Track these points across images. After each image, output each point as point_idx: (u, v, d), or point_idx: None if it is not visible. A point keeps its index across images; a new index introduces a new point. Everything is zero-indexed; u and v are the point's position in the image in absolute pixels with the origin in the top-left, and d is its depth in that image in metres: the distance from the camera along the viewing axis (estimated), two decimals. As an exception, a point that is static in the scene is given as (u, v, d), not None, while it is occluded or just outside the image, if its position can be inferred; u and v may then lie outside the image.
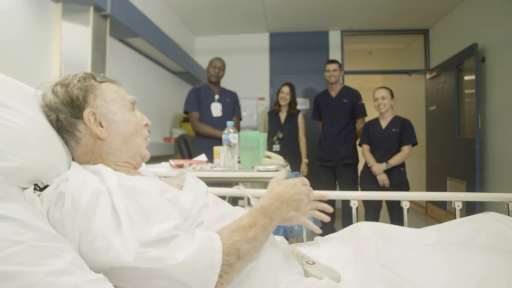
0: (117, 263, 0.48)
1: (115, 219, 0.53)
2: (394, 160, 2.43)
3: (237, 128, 2.83)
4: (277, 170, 1.53)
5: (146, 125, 0.81)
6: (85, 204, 0.54)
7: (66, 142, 0.72)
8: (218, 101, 2.75)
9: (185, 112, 2.76)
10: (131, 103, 0.78)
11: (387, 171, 2.46)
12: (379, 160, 2.50)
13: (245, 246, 0.59)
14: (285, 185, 0.74)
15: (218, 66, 2.72)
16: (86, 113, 0.69)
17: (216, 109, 2.73)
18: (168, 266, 0.50)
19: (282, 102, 3.00)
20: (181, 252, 0.52)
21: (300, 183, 0.77)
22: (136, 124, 0.77)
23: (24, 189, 0.60)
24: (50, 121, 0.70)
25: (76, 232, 0.52)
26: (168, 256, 0.51)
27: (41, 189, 0.62)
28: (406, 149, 2.45)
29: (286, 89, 2.98)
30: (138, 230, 0.52)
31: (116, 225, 0.52)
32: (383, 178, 2.45)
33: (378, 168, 2.47)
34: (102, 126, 0.71)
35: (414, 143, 2.46)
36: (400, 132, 2.47)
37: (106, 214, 0.53)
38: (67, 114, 0.69)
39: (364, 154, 2.63)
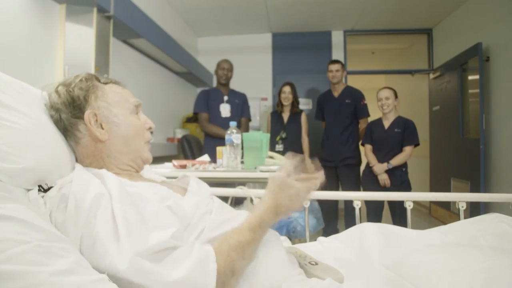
0: (112, 269, 0.48)
1: (113, 224, 0.52)
2: (396, 160, 2.43)
3: (246, 128, 2.86)
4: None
5: (150, 128, 0.80)
6: (87, 207, 0.54)
7: (68, 143, 0.72)
8: (227, 102, 2.80)
9: (195, 113, 2.82)
10: (134, 106, 0.77)
11: (388, 171, 2.45)
12: (381, 160, 2.49)
13: (240, 264, 0.59)
14: (286, 195, 0.69)
15: (226, 68, 2.78)
16: (87, 114, 0.69)
17: (225, 109, 2.78)
18: (160, 284, 0.48)
19: (285, 102, 2.98)
20: (175, 270, 0.50)
21: (306, 191, 0.71)
22: (138, 127, 0.76)
23: (28, 190, 0.60)
24: (54, 121, 0.70)
25: (78, 236, 0.52)
26: (161, 273, 0.49)
27: (45, 191, 0.62)
28: (408, 149, 2.44)
29: (287, 89, 2.97)
30: (135, 238, 0.51)
31: (114, 231, 0.51)
32: (384, 178, 2.45)
33: (379, 168, 2.46)
34: (102, 128, 0.70)
35: (416, 144, 2.45)
36: (403, 133, 2.46)
37: (106, 219, 0.53)
38: (68, 114, 0.69)
39: (366, 154, 2.62)
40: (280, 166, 0.75)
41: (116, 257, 0.48)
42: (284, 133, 2.97)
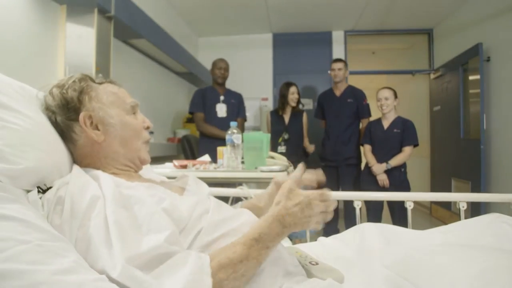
0: (105, 274, 0.47)
1: (106, 229, 0.52)
2: (395, 161, 2.43)
3: (241, 129, 2.84)
4: (281, 171, 1.53)
5: (148, 128, 0.79)
6: (83, 210, 0.54)
7: (65, 144, 0.71)
8: (223, 102, 2.78)
9: (190, 113, 2.79)
10: (131, 106, 0.76)
11: (387, 171, 2.45)
12: (380, 160, 2.49)
13: (231, 285, 0.53)
14: (296, 204, 0.62)
15: (223, 67, 2.76)
16: (82, 116, 0.68)
17: (221, 109, 2.76)
18: None
19: (292, 103, 2.96)
20: (167, 282, 0.48)
21: (318, 200, 0.63)
22: (135, 127, 0.75)
23: (28, 191, 0.60)
24: (51, 123, 0.70)
25: (73, 238, 0.52)
26: (153, 283, 0.47)
27: (44, 191, 0.62)
28: (407, 150, 2.44)
29: (294, 89, 2.95)
30: (128, 243, 0.50)
31: (106, 235, 0.51)
32: (382, 178, 2.45)
33: (378, 168, 2.47)
34: (98, 129, 0.69)
35: (416, 144, 2.45)
36: (402, 133, 2.46)
37: (100, 222, 0.52)
38: (63, 116, 0.69)
39: (365, 154, 2.62)
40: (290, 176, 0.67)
41: (107, 263, 0.48)
42: (286, 134, 2.96)
